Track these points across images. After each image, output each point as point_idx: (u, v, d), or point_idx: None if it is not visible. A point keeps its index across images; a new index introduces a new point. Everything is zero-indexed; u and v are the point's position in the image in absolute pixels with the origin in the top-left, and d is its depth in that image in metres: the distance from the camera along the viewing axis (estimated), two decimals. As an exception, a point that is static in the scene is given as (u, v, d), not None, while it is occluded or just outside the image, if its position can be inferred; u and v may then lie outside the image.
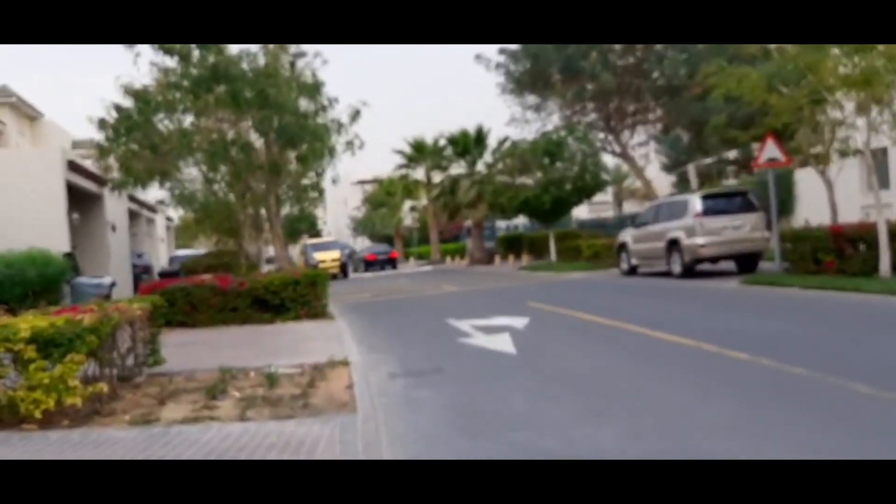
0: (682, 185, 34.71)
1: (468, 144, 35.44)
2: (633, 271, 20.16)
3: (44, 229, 15.81)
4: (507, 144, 31.91)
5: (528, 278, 23.00)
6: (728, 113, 20.29)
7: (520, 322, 11.76)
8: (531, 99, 29.66)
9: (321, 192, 16.90)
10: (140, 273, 29.26)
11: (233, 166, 15.60)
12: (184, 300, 14.47)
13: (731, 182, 27.92)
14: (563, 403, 6.21)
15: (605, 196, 42.27)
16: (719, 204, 17.24)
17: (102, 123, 15.84)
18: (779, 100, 13.54)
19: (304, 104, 16.18)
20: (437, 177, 41.20)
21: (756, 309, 11.62)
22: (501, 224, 42.05)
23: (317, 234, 49.51)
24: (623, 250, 20.46)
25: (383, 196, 52.90)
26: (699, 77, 15.45)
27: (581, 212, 35.76)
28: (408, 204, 51.84)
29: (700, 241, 16.83)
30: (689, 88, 25.31)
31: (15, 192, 15.77)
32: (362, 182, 71.12)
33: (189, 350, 10.91)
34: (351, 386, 7.58)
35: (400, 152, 40.96)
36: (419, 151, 39.34)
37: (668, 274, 18.10)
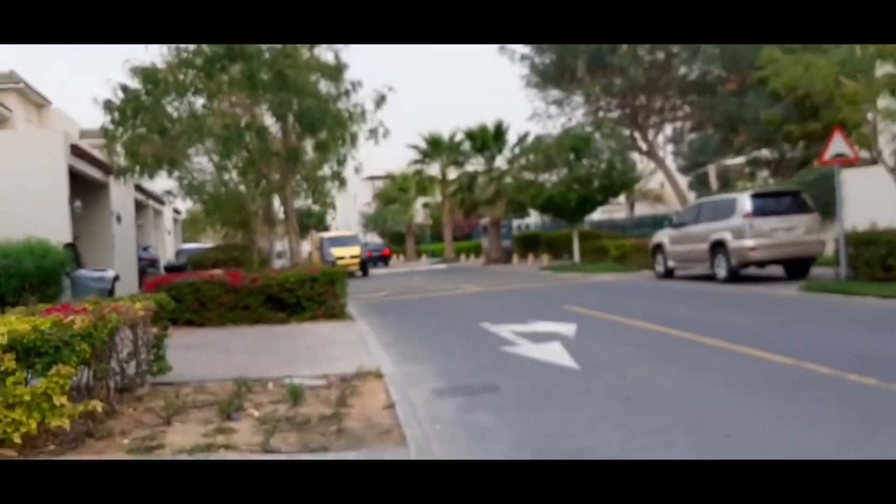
0: (701, 187, 33.51)
1: (487, 140, 34.12)
2: (669, 274, 18.90)
3: (43, 217, 14.63)
4: (530, 140, 30.66)
5: (555, 279, 21.77)
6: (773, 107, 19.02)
7: (567, 329, 10.54)
8: (555, 93, 28.39)
9: (342, 182, 15.64)
10: (146, 267, 28.11)
11: (247, 153, 14.34)
12: (192, 297, 13.32)
13: (761, 183, 26.65)
14: (673, 439, 4.96)
15: (617, 197, 40.43)
16: (770, 204, 15.96)
17: (108, 105, 14.65)
18: (855, 88, 12.26)
19: (324, 87, 14.93)
20: (453, 173, 39.99)
21: (843, 321, 10.28)
22: (515, 223, 40.66)
23: (325, 229, 48.04)
24: (659, 252, 19.20)
25: (395, 192, 51.57)
26: (762, 62, 14.15)
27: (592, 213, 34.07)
28: (420, 201, 50.50)
29: (749, 243, 15.55)
30: (725, 83, 24.09)
31: (13, 175, 14.59)
32: (373, 178, 69.91)
33: (197, 354, 9.73)
34: (391, 406, 6.38)
35: (415, 147, 39.69)
36: (435, 147, 38.02)
37: (710, 278, 16.83)
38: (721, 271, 16.20)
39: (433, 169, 41.21)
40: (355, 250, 33.83)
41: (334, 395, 7.05)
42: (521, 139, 33.29)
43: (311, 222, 38.81)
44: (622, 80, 24.55)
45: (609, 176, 24.23)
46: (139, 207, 27.82)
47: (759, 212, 15.61)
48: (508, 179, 31.25)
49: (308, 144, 15.28)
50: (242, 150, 14.39)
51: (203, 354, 9.72)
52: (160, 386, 7.49)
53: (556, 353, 8.64)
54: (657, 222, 37.14)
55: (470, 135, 34.09)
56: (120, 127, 14.19)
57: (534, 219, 41.05)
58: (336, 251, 32.78)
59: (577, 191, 23.80)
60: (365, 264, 33.49)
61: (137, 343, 6.76)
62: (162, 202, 36.10)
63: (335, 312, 13.83)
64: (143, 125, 14.08)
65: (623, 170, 24.67)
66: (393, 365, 8.50)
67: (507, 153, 34.17)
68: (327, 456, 4.98)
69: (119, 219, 20.91)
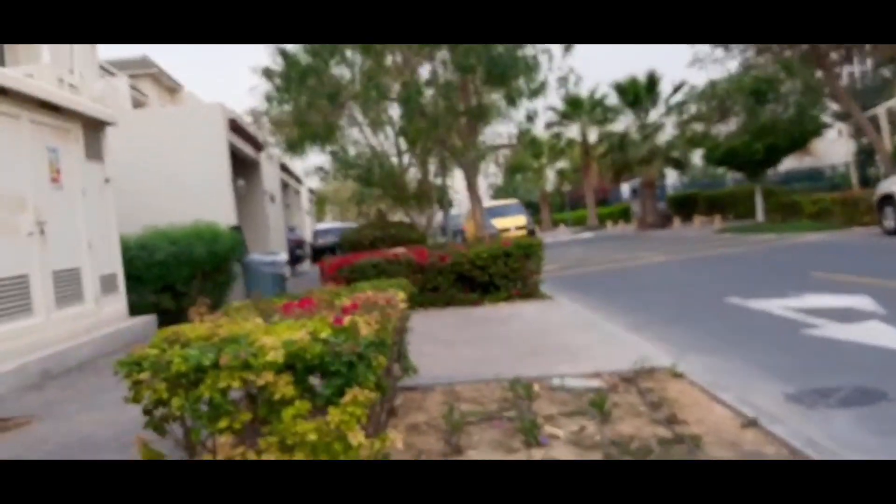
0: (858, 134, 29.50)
1: (639, 93, 31.25)
2: (901, 229, 16.04)
3: (208, 198, 13.68)
4: (685, 89, 27.72)
5: (747, 242, 19.14)
6: None
7: (861, 302, 8.32)
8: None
9: (535, 143, 13.87)
10: (293, 248, 27.52)
11: (424, 116, 12.65)
12: (375, 279, 11.94)
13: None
14: None
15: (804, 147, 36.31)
16: None
17: (268, 72, 13.42)
18: None
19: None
20: (592, 134, 37.44)
21: None
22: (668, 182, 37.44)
23: (448, 204, 46.12)
24: (888, 204, 16.30)
25: (527, 158, 49.21)
26: None
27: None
28: (553, 166, 47.92)
29: None
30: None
31: (174, 153, 13.71)
32: (496, 147, 67.83)
33: (416, 346, 8.23)
34: (752, 423, 4.52)
35: (552, 109, 37.12)
36: (575, 107, 35.34)
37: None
38: None
39: (571, 131, 38.71)
40: (520, 220, 29.60)
41: (639, 403, 5.30)
42: (676, 89, 30.34)
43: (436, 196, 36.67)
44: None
45: (800, 122, 21.18)
46: (283, 187, 27.22)
47: None
48: (666, 135, 28.57)
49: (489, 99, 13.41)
50: (420, 112, 12.72)
51: (424, 347, 8.19)
52: (407, 393, 5.97)
53: (888, 336, 6.52)
54: (811, 177, 33.30)
55: (620, 88, 31.19)
56: (285, 94, 12.90)
57: (671, 179, 37.79)
58: (498, 222, 28.04)
59: (766, 140, 20.90)
60: (533, 234, 28.02)
61: (402, 344, 5.23)
62: (300, 181, 35.66)
63: (530, 291, 12.14)
64: (308, 91, 12.71)
65: (816, 115, 21.53)
66: (676, 357, 6.61)
67: (661, 107, 31.27)
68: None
69: (273, 198, 20.10)
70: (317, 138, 13.45)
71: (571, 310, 10.52)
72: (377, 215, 50.24)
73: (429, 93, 12.39)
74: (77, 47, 12.07)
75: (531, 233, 28.10)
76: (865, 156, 34.72)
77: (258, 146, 18.58)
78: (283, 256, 13.13)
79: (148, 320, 11.29)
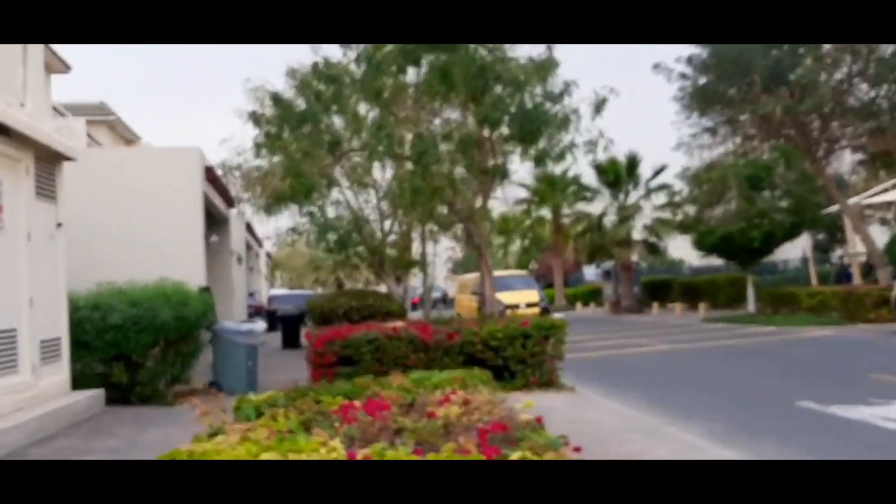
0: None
1: (619, 173, 30.61)
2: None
3: (176, 254, 11.78)
4: (677, 171, 27.08)
5: (748, 335, 17.93)
6: None
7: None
8: (705, 121, 24.66)
9: (504, 219, 12.49)
10: (252, 315, 25.39)
11: (435, 175, 11.09)
12: (371, 357, 10.20)
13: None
14: None
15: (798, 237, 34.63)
16: None
17: (256, 117, 11.84)
18: None
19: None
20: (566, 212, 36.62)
21: None
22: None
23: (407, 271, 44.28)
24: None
25: (491, 234, 48.03)
26: None
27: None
28: (518, 243, 46.89)
29: None
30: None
31: (140, 202, 11.86)
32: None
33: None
34: None
35: (523, 185, 36.05)
36: (550, 186, 34.37)
37: None
38: None
39: (542, 209, 37.79)
40: (532, 295, 25.10)
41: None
42: (658, 172, 29.80)
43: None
44: (807, 98, 20.71)
45: (799, 210, 20.45)
46: (247, 248, 25.29)
47: None
48: (645, 217, 27.78)
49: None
50: (436, 165, 11.19)
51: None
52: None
53: None
54: (769, 270, 32.76)
55: (600, 168, 30.48)
56: (276, 141, 11.30)
57: (636, 260, 37.07)
58: (506, 297, 22.79)
59: (763, 227, 20.06)
60: (548, 314, 21.93)
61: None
62: (261, 244, 33.65)
63: (549, 379, 10.53)
64: (305, 139, 11.13)
65: (815, 204, 20.88)
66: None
67: (641, 189, 30.62)
68: None
69: (240, 259, 18.24)
70: (308, 192, 11.80)
71: (609, 408, 8.93)
72: (336, 283, 47.77)
73: (443, 148, 10.97)
74: (30, 81, 10.32)
75: (544, 311, 22.93)
76: (821, 251, 34.71)
77: (230, 201, 16.84)
78: (261, 325, 11.27)
79: (94, 396, 9.29)
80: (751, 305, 22.41)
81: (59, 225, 9.34)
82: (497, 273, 20.58)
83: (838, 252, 35.56)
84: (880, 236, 27.23)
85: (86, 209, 11.11)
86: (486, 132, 11.11)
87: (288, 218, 17.44)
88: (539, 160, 11.59)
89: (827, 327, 17.90)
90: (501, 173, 11.77)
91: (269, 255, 44.44)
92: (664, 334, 19.24)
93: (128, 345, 9.87)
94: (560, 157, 11.49)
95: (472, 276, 25.41)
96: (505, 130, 11.04)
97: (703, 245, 22.31)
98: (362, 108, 11.84)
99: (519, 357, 10.40)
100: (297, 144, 11.24)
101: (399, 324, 11.07)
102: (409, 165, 11.31)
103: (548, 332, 10.57)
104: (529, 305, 23.91)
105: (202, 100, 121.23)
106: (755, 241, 20.09)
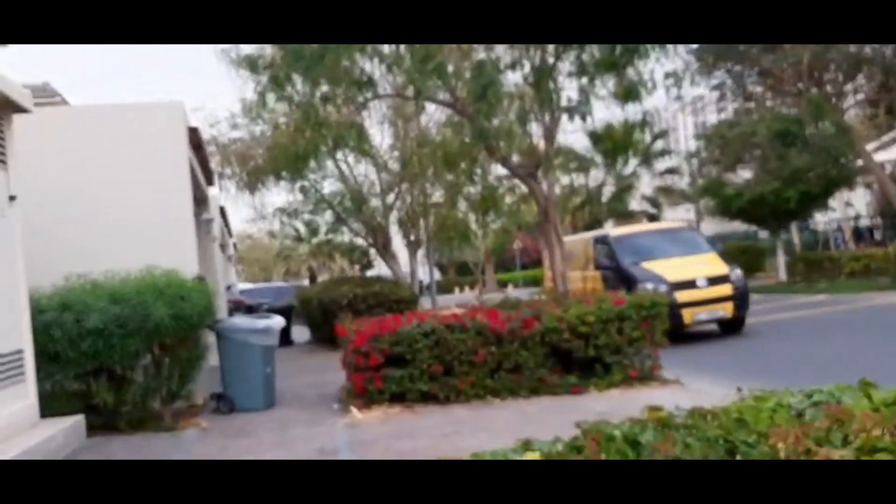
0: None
1: (616, 141, 28.62)
2: None
3: (160, 236, 9.33)
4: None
5: (794, 305, 16.10)
6: None
7: None
8: (719, 75, 22.82)
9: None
10: (232, 309, 22.83)
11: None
12: (428, 354, 8.00)
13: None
14: None
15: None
16: None
17: (252, 62, 9.41)
18: None
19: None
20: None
21: None
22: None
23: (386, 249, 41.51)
24: None
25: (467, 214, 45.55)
26: None
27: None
28: (498, 223, 44.71)
29: None
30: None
31: (112, 173, 9.34)
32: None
33: None
34: None
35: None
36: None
37: None
38: None
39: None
40: (715, 264, 13.04)
41: None
42: (658, 136, 27.92)
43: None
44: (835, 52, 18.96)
45: (838, 168, 18.72)
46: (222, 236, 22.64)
47: None
48: (644, 186, 25.89)
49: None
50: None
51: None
52: None
53: None
54: (747, 237, 31.10)
55: (595, 136, 28.38)
56: (284, 84, 8.90)
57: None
58: (662, 267, 12.63)
59: (799, 188, 18.27)
60: (745, 298, 12.92)
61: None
62: (231, 233, 30.91)
63: (649, 372, 8.47)
64: (329, 77, 8.75)
65: (847, 161, 19.15)
66: None
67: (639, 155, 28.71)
68: None
69: (223, 247, 15.78)
70: (315, 152, 9.48)
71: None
72: (309, 273, 45.09)
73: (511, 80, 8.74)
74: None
75: (741, 297, 12.60)
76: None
77: (209, 177, 14.34)
78: (279, 321, 8.93)
79: (71, 426, 6.97)
80: (781, 273, 20.69)
81: (12, 198, 6.95)
82: (633, 229, 14.85)
83: (829, 215, 33.91)
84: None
85: (46, 182, 8.63)
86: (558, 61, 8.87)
87: (273, 196, 15.28)
88: (630, 93, 9.40)
89: (887, 293, 16.23)
90: (585, 111, 9.56)
91: (235, 247, 41.50)
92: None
93: (111, 354, 7.53)
94: (654, 88, 9.34)
95: (585, 238, 15.97)
96: (595, 53, 8.80)
97: (727, 209, 20.43)
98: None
99: (614, 345, 8.32)
100: (314, 87, 8.85)
101: (460, 311, 8.85)
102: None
103: (648, 314, 8.49)
104: (713, 282, 12.45)
105: (160, 78, 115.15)
106: (790, 202, 18.32)
